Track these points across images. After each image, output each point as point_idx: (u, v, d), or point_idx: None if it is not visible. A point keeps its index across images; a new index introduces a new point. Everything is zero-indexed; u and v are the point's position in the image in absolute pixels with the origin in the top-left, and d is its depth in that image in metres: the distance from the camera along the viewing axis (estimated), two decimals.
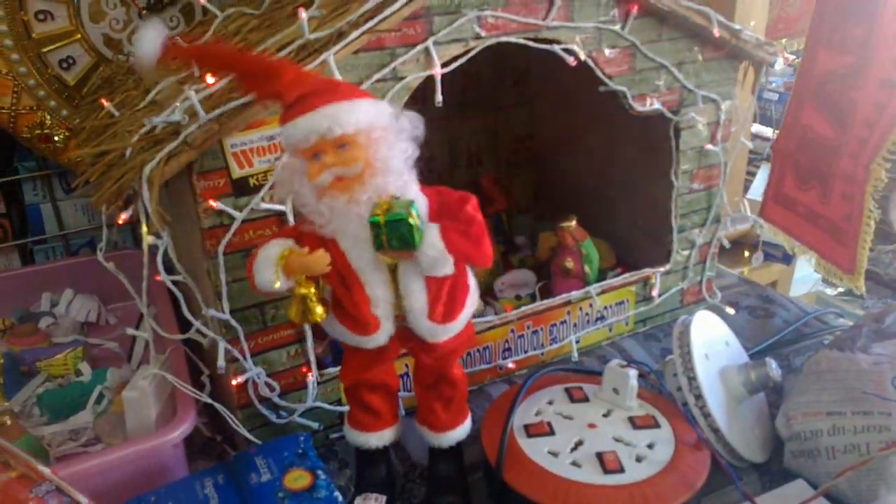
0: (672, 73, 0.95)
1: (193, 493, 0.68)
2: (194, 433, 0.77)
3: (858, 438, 0.73)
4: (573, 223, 1.05)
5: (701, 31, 0.94)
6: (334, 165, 0.59)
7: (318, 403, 0.85)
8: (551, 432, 0.77)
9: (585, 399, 0.82)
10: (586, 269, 1.05)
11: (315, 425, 0.85)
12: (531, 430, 0.77)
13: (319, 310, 0.64)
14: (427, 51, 0.78)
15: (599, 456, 0.72)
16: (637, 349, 1.06)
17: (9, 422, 0.82)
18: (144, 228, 0.71)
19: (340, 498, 0.67)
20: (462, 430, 0.77)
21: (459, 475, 0.78)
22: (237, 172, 0.73)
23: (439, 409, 0.75)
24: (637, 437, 0.76)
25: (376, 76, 0.76)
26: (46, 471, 0.61)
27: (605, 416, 0.79)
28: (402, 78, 0.78)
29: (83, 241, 1.28)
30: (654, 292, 1.07)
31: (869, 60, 0.99)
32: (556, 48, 0.86)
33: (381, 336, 0.67)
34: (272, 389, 0.82)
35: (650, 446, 0.75)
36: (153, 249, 0.72)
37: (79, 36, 1.11)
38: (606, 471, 0.71)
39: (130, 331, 0.85)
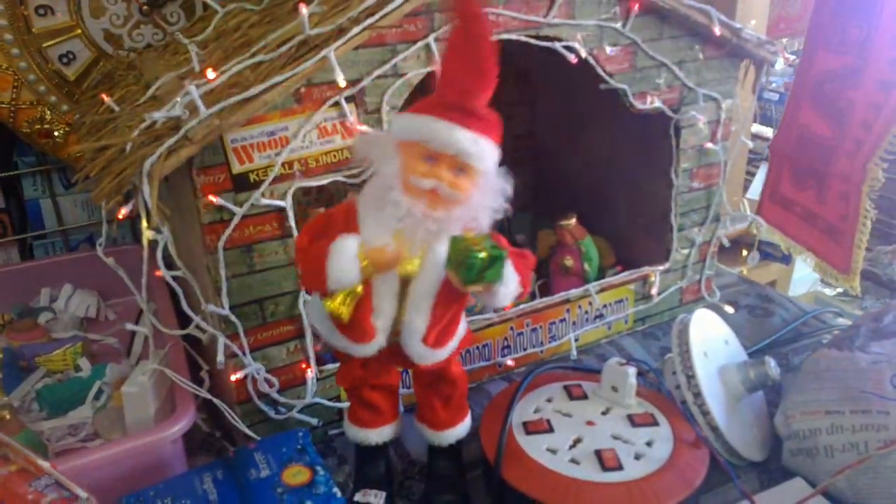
0: (673, 72, 0.95)
1: (192, 488, 0.68)
2: (193, 429, 0.77)
3: (857, 437, 0.73)
4: (573, 221, 1.05)
5: (702, 29, 0.94)
6: (445, 181, 0.59)
7: (317, 399, 0.85)
8: (550, 430, 0.77)
9: (584, 397, 0.82)
10: (586, 267, 1.05)
11: (314, 421, 0.85)
12: (530, 428, 0.77)
13: (351, 310, 0.64)
14: (428, 47, 0.78)
15: (598, 453, 0.73)
16: (636, 347, 1.06)
17: (8, 417, 0.81)
18: (144, 223, 0.70)
19: (339, 494, 0.67)
20: (461, 428, 0.77)
21: (458, 472, 0.78)
22: (237, 168, 0.73)
23: (439, 406, 0.75)
24: (636, 435, 0.76)
25: (377, 72, 0.76)
26: (46, 465, 0.61)
27: (603, 413, 0.79)
28: (402, 74, 0.78)
29: (82, 237, 1.28)
30: (654, 291, 1.07)
31: (867, 61, 0.99)
32: (558, 46, 0.86)
33: (373, 347, 0.67)
34: (271, 385, 0.82)
35: (649, 444, 0.75)
36: (153, 245, 0.72)
37: (79, 31, 1.11)
38: (605, 468, 0.71)
39: (130, 326, 0.85)
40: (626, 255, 1.14)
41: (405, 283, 0.64)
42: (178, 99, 0.70)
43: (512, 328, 0.97)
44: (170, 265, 0.74)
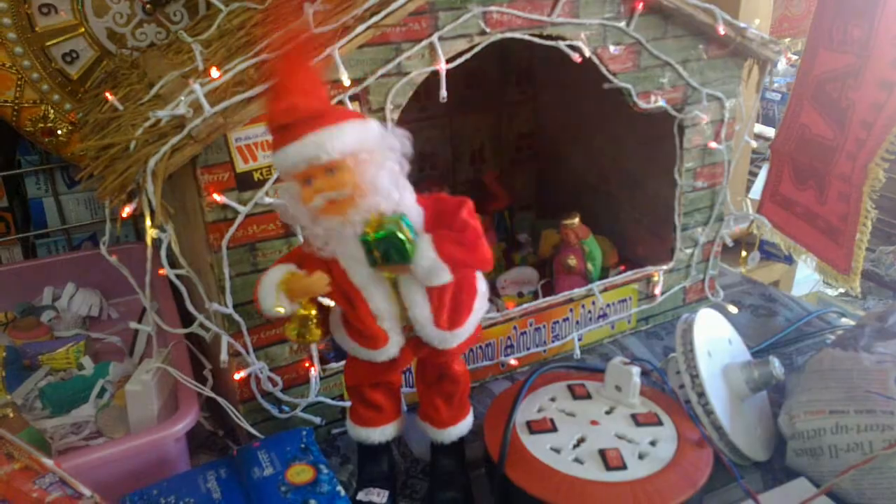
0: (677, 71, 0.95)
1: (196, 486, 0.68)
2: (196, 427, 0.77)
3: (861, 437, 0.73)
4: (576, 220, 1.05)
5: (706, 28, 0.94)
6: (325, 190, 0.59)
7: (321, 398, 0.85)
8: (554, 429, 0.76)
9: (588, 396, 0.82)
10: (589, 266, 1.05)
11: (317, 420, 0.85)
12: (534, 427, 0.77)
13: (318, 331, 0.65)
14: (432, 46, 0.78)
15: (602, 453, 0.72)
16: (639, 347, 1.06)
17: (11, 415, 0.82)
18: (148, 222, 0.70)
19: (343, 492, 0.67)
20: (464, 427, 0.77)
21: (461, 471, 0.78)
22: (241, 166, 0.73)
23: (441, 405, 0.75)
24: (639, 435, 0.76)
25: (381, 71, 0.76)
26: (49, 462, 0.61)
27: (607, 413, 0.79)
28: (406, 73, 0.78)
29: (85, 236, 1.28)
30: (657, 290, 1.07)
31: (868, 61, 0.99)
32: (561, 45, 0.86)
33: (392, 348, 0.68)
34: (275, 384, 0.82)
35: (653, 443, 0.75)
36: (156, 243, 0.72)
37: (82, 30, 1.11)
38: (609, 468, 0.71)
39: (133, 324, 0.85)
40: (630, 255, 1.14)
41: (394, 282, 0.65)
42: (182, 97, 0.70)
43: (515, 327, 0.97)
44: (173, 264, 0.74)
